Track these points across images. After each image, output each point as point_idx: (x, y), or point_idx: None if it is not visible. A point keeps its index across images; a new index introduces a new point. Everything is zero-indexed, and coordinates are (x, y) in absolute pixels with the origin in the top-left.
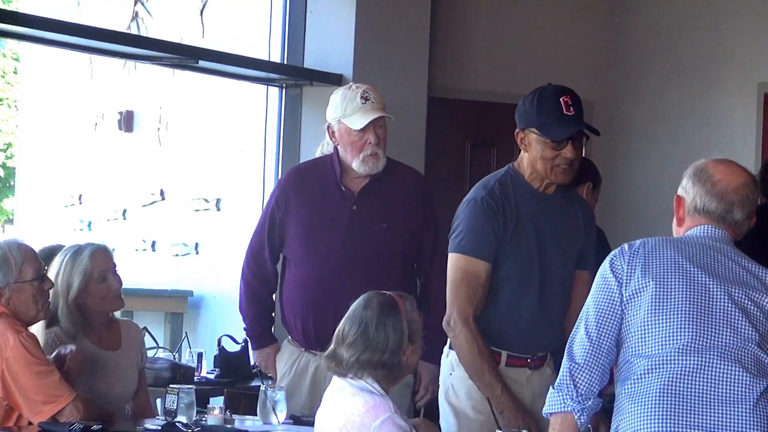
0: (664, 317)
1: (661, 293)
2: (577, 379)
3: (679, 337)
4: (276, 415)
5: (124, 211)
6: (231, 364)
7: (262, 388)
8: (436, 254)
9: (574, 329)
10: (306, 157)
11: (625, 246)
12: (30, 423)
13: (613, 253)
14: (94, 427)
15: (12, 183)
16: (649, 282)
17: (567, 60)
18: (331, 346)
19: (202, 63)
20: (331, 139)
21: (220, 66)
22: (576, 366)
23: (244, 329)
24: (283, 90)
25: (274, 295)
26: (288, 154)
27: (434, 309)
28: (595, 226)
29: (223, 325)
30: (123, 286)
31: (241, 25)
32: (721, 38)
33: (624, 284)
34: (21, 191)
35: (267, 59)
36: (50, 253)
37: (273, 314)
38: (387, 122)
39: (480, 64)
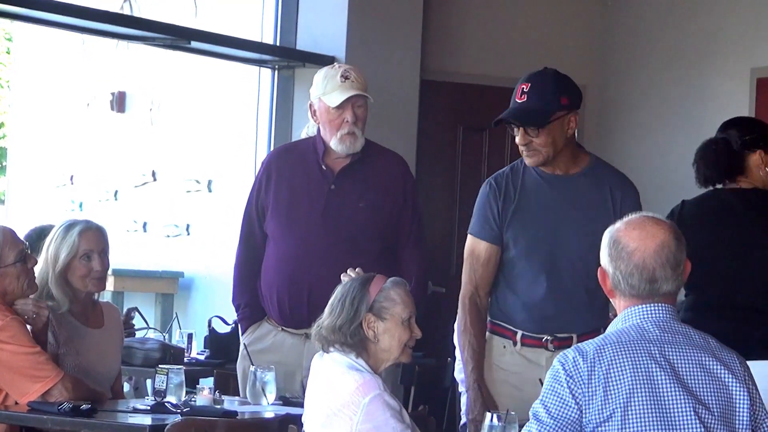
0: None
1: (628, 428)
2: None
3: None
4: (265, 396)
5: (116, 191)
6: (221, 345)
7: (252, 369)
8: (411, 236)
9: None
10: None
11: (579, 360)
12: (16, 403)
13: (567, 366)
14: (84, 406)
15: (3, 163)
16: (615, 410)
17: (560, 44)
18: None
19: (194, 44)
20: (312, 118)
21: (213, 47)
22: None
23: (237, 315)
24: (276, 71)
25: None
26: (280, 135)
27: None
28: (638, 200)
29: (214, 306)
30: (114, 267)
31: (233, 6)
32: (714, 23)
33: (585, 407)
34: (12, 171)
35: (259, 41)
36: (41, 232)
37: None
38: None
39: (473, 47)
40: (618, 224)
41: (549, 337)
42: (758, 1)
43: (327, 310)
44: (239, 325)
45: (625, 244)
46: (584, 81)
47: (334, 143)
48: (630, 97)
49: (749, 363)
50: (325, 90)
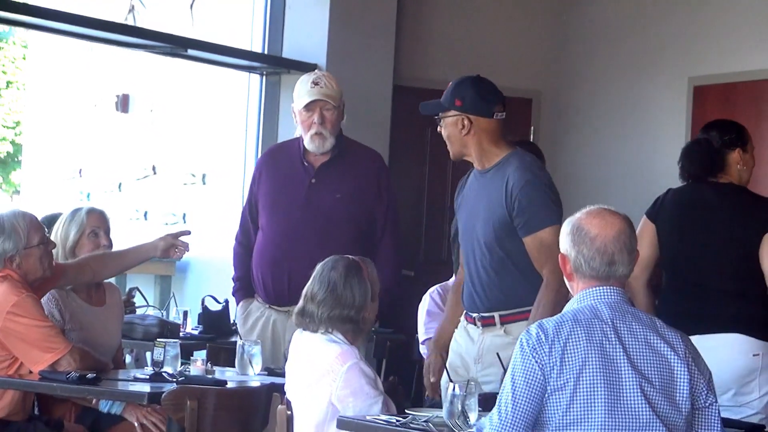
0: (577, 421)
1: (577, 395)
2: None
3: None
4: (252, 367)
5: (120, 184)
6: (213, 322)
7: (240, 342)
8: (387, 224)
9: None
10: (282, 138)
11: (541, 335)
12: (30, 372)
13: (531, 341)
14: (89, 375)
15: (19, 158)
16: (569, 379)
17: (519, 55)
18: (300, 304)
19: (191, 52)
20: (294, 120)
21: (207, 54)
22: None
23: (233, 288)
24: (263, 77)
25: None
26: (267, 135)
27: (380, 272)
28: (526, 191)
29: (207, 286)
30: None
31: (226, 17)
32: (655, 36)
33: (547, 376)
34: (27, 165)
35: (249, 49)
36: (52, 219)
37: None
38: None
39: (441, 56)
40: (578, 214)
41: (476, 316)
42: (694, 16)
43: (330, 299)
44: (235, 297)
45: (588, 231)
46: (540, 88)
47: (306, 142)
48: (581, 103)
49: (719, 336)
50: (299, 94)
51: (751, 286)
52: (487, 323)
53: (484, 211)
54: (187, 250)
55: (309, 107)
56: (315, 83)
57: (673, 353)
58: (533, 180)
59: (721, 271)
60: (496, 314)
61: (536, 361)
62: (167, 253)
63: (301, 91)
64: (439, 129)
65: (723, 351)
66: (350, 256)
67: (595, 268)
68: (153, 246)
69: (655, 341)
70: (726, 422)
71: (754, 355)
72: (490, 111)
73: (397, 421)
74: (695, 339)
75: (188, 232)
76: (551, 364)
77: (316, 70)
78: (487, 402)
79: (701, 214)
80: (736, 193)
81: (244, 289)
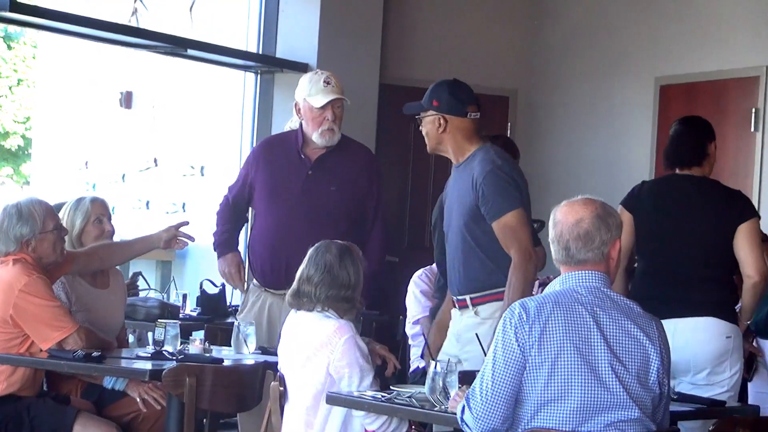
0: (555, 399)
1: (554, 374)
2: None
3: (567, 417)
4: (247, 346)
5: (123, 175)
6: (210, 304)
7: (236, 323)
8: (377, 216)
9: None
10: (276, 133)
11: (523, 314)
12: (40, 350)
13: (513, 320)
14: (94, 354)
15: (29, 151)
16: (546, 359)
17: (497, 54)
18: (295, 286)
19: (190, 51)
20: (297, 115)
21: (206, 54)
22: (471, 420)
23: (213, 243)
24: (258, 75)
25: (240, 233)
26: (261, 129)
27: (369, 260)
28: (488, 181)
29: (205, 271)
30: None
31: (223, 19)
32: (624, 38)
33: (526, 354)
34: (37, 158)
35: (245, 49)
36: (58, 208)
37: (235, 233)
38: (344, 105)
39: (424, 57)
40: (562, 202)
41: (455, 299)
42: (660, 19)
43: (327, 280)
44: (216, 251)
45: (554, 217)
46: (515, 86)
47: (315, 137)
48: (554, 101)
49: (695, 319)
50: (310, 92)
51: (723, 273)
52: (462, 305)
53: (457, 201)
54: (192, 240)
55: (324, 105)
56: (327, 82)
57: (647, 339)
58: (494, 169)
59: (697, 259)
60: (467, 297)
61: (516, 339)
62: (170, 244)
63: (313, 89)
64: (420, 127)
65: (700, 333)
66: (339, 241)
67: (556, 251)
68: (157, 237)
69: (631, 327)
70: (694, 399)
71: (726, 338)
72: (464, 111)
73: (383, 396)
74: (673, 322)
75: (186, 223)
76: (530, 343)
77: (318, 70)
78: (467, 379)
79: (679, 204)
80: (711, 185)
81: (224, 243)
